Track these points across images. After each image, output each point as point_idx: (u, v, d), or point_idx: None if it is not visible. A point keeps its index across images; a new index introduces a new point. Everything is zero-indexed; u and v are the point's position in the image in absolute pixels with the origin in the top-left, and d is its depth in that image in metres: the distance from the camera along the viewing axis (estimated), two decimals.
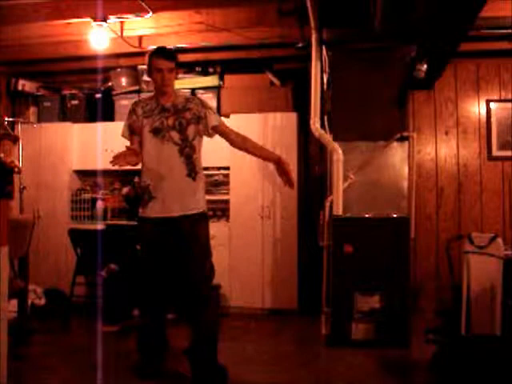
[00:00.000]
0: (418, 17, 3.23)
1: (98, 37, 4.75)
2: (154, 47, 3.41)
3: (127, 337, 4.25)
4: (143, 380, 3.21)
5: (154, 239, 3.20)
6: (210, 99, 5.20)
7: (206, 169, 4.38)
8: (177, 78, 3.32)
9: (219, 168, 5.29)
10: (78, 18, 4.67)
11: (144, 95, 5.55)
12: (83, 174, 5.78)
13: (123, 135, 3.29)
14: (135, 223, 5.31)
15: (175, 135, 3.15)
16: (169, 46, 5.09)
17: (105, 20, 4.61)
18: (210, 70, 5.48)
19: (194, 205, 3.17)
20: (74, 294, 4.88)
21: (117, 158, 2.89)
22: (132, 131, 3.24)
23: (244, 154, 3.38)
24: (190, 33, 5.00)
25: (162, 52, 3.22)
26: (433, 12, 3.13)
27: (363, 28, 3.79)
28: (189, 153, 3.17)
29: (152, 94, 3.36)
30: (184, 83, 5.43)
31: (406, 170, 4.25)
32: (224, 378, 3.11)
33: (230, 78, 5.35)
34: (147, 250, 3.27)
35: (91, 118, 5.68)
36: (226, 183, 5.28)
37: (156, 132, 3.15)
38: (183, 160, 3.15)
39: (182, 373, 3.22)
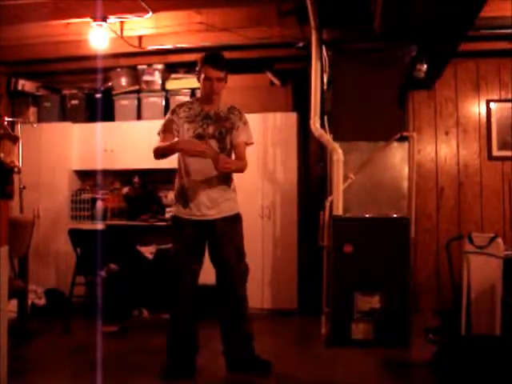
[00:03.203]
0: (418, 17, 3.24)
1: (98, 37, 4.75)
2: (207, 53, 3.31)
3: (127, 337, 4.26)
4: (172, 381, 3.15)
5: (189, 238, 3.22)
6: None
7: None
8: (224, 87, 3.29)
9: None
10: (78, 18, 4.68)
11: (144, 95, 5.59)
12: (83, 174, 5.78)
13: (159, 134, 3.28)
14: (136, 223, 5.45)
15: (214, 144, 3.20)
16: (169, 46, 5.17)
17: (105, 20, 4.62)
18: None
19: (228, 208, 3.25)
20: (74, 294, 4.88)
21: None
22: (167, 130, 3.24)
23: None
24: (189, 33, 5.02)
25: (213, 60, 3.19)
26: (433, 12, 3.14)
27: (363, 28, 3.79)
28: None
29: (195, 97, 3.38)
30: (184, 83, 5.43)
31: (405, 170, 4.26)
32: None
33: (229, 78, 5.25)
34: (181, 248, 3.27)
35: (91, 117, 5.67)
36: None
37: (198, 138, 3.18)
38: None
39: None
